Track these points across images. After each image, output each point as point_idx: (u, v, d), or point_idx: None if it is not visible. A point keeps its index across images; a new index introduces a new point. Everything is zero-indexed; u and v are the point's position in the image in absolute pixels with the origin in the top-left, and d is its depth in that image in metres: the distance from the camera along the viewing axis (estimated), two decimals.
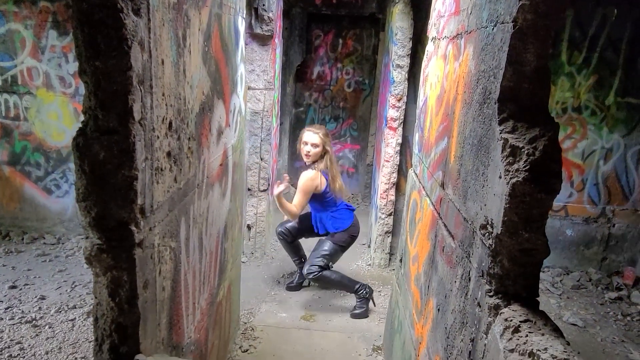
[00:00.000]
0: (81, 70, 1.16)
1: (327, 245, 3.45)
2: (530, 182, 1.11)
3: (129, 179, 1.20)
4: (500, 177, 1.19)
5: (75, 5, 1.11)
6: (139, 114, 1.20)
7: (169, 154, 1.44)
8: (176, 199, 1.55)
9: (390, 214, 4.24)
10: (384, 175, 4.18)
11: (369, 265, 4.43)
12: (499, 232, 1.17)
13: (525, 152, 1.13)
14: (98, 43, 1.12)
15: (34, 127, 4.19)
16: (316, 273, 3.37)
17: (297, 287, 3.86)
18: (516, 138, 1.18)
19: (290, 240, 3.70)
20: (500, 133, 1.22)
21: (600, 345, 3.26)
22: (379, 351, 3.08)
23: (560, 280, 4.19)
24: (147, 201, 1.28)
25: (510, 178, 1.13)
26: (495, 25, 1.33)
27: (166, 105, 1.39)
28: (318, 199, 3.46)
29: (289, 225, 3.66)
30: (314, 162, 3.44)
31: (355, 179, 6.43)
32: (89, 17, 1.11)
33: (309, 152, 3.41)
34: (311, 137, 3.39)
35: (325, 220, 3.52)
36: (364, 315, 3.49)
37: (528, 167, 1.12)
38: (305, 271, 3.41)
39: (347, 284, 3.48)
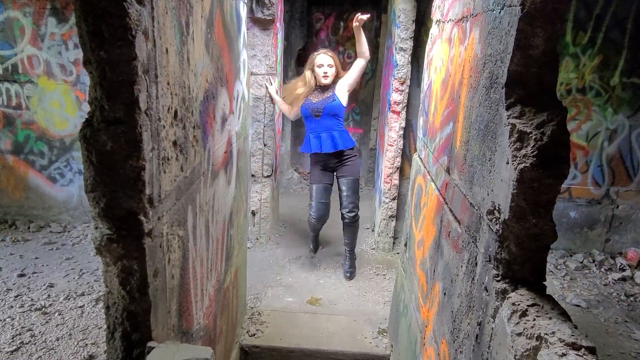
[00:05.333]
0: (86, 61, 1.15)
1: (352, 187, 3.72)
2: (538, 168, 1.11)
3: (137, 169, 1.20)
4: (507, 163, 1.19)
5: None
6: (145, 104, 1.20)
7: (175, 143, 1.44)
8: (183, 188, 1.56)
9: (394, 198, 4.25)
10: (388, 160, 4.18)
11: (373, 249, 4.46)
12: (506, 218, 1.18)
13: (533, 137, 1.13)
14: (102, 33, 1.11)
15: (37, 116, 4.19)
16: (356, 214, 3.75)
17: (314, 252, 4.15)
18: (524, 123, 1.17)
19: (320, 227, 3.94)
20: (508, 118, 1.21)
21: (604, 326, 3.29)
22: (385, 334, 3.12)
23: (564, 262, 4.21)
24: (154, 191, 1.29)
25: (518, 164, 1.13)
26: (502, 9, 1.31)
27: (171, 94, 1.39)
28: (339, 112, 3.65)
29: (319, 213, 3.76)
30: (333, 83, 3.66)
31: (358, 163, 6.42)
32: (92, 7, 1.10)
33: (326, 72, 3.61)
34: (325, 59, 3.61)
35: (340, 135, 3.66)
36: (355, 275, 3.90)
37: (536, 152, 1.11)
38: (346, 212, 3.71)
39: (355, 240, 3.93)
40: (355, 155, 3.79)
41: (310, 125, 3.72)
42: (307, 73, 3.69)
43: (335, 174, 3.78)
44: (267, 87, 3.99)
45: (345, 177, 3.71)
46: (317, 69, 3.62)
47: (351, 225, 3.76)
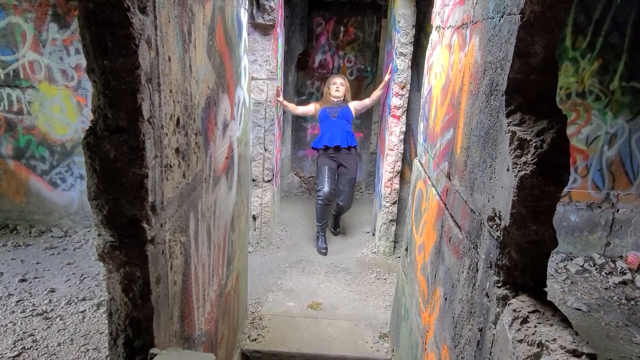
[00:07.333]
0: (89, 70, 1.16)
1: (351, 184, 4.51)
2: (538, 175, 1.12)
3: (140, 176, 1.21)
4: (508, 170, 1.19)
5: (81, 4, 1.11)
6: (147, 112, 1.21)
7: (177, 150, 1.45)
8: (185, 194, 1.57)
9: (394, 203, 4.26)
10: (388, 164, 4.19)
11: (374, 253, 4.46)
12: (507, 224, 1.19)
13: (533, 144, 1.14)
14: (106, 42, 1.12)
15: (38, 121, 4.20)
16: (350, 205, 4.62)
17: (325, 249, 4.44)
18: (524, 131, 1.18)
19: (329, 203, 4.47)
20: (508, 125, 1.22)
21: (605, 330, 3.29)
22: (386, 338, 3.12)
23: (565, 266, 4.21)
24: (157, 198, 1.30)
25: (519, 171, 1.14)
26: (502, 17, 1.32)
27: (174, 102, 1.40)
28: (349, 118, 4.50)
29: (327, 188, 4.38)
30: (345, 101, 4.55)
31: (359, 167, 6.42)
32: (95, 17, 1.11)
33: (338, 88, 4.51)
34: (337, 79, 4.57)
35: (351, 135, 4.47)
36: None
37: (536, 160, 1.12)
38: (344, 204, 4.54)
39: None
40: (356, 155, 4.59)
41: (326, 125, 4.46)
42: (325, 90, 4.66)
43: (337, 169, 4.48)
44: (279, 101, 4.48)
45: (345, 176, 4.47)
46: (331, 86, 4.53)
47: (344, 209, 4.63)
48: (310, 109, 4.66)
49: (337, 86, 4.51)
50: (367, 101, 4.61)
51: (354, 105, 4.57)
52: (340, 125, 4.41)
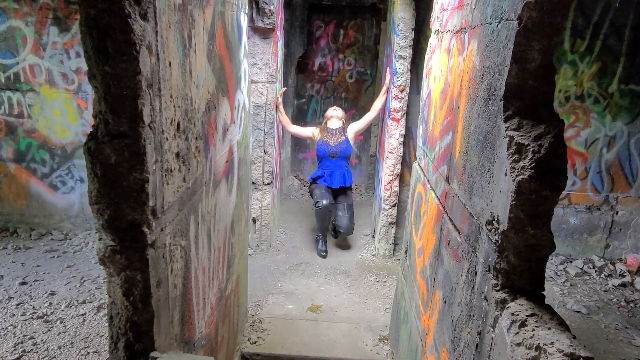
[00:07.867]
0: (91, 75, 1.17)
1: (350, 210, 4.45)
2: (535, 180, 1.13)
3: (141, 181, 1.22)
4: (506, 174, 1.20)
5: (82, 11, 1.12)
6: (148, 118, 1.22)
7: (177, 154, 1.46)
8: (185, 199, 1.57)
9: (394, 205, 4.27)
10: (388, 167, 4.20)
11: (374, 255, 4.46)
12: (505, 228, 1.19)
13: (531, 149, 1.15)
14: (107, 48, 1.13)
15: (38, 124, 4.21)
16: (352, 232, 4.56)
17: (325, 252, 4.45)
18: (521, 135, 1.19)
19: (329, 212, 4.43)
20: (506, 130, 1.23)
21: (604, 332, 3.29)
22: (385, 341, 3.13)
23: (564, 268, 4.22)
24: (158, 202, 1.31)
25: (516, 175, 1.15)
26: (499, 22, 1.34)
27: (174, 106, 1.41)
28: (350, 155, 4.51)
29: (326, 202, 4.33)
30: (343, 129, 4.51)
31: (359, 169, 6.44)
32: (97, 23, 1.12)
33: (334, 119, 4.53)
34: (334, 112, 4.57)
35: (348, 173, 4.48)
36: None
37: (533, 164, 1.13)
38: (347, 229, 4.42)
39: None
40: (351, 190, 4.63)
41: (325, 164, 4.46)
42: (323, 124, 4.62)
43: (335, 199, 4.49)
44: (276, 105, 4.41)
45: (343, 203, 4.44)
46: (328, 118, 4.55)
47: (345, 235, 4.57)
48: (308, 133, 4.63)
49: (334, 118, 4.52)
50: (370, 115, 4.52)
51: (354, 130, 4.51)
52: (339, 166, 4.41)
